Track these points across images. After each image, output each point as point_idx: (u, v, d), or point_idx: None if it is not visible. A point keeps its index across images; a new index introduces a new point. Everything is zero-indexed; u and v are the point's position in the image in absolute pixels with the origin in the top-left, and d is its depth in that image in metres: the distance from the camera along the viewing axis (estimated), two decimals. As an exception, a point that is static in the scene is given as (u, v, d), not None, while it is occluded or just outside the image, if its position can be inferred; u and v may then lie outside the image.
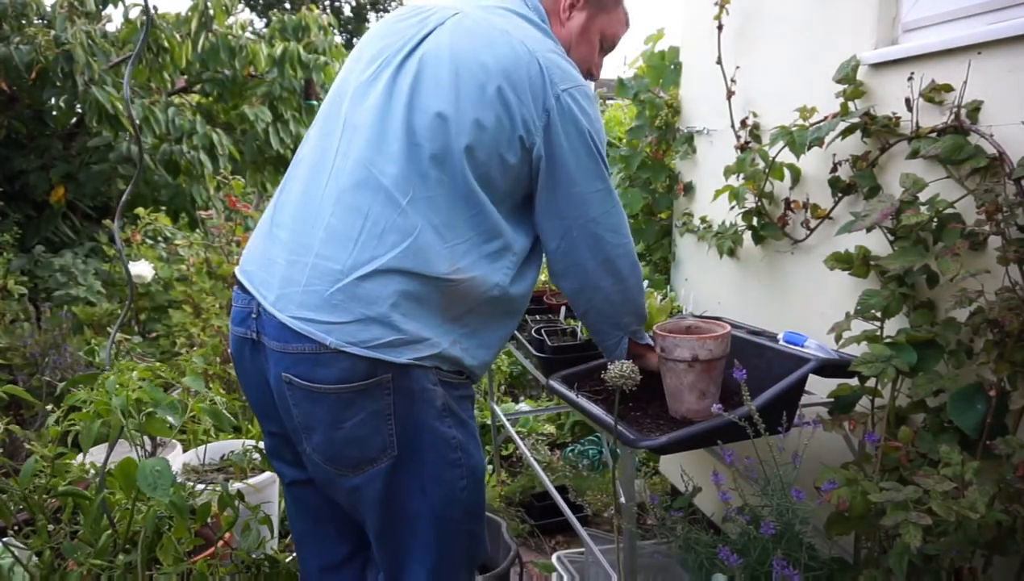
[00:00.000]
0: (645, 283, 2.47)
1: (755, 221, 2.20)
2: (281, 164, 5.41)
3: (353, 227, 1.23)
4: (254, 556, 1.71)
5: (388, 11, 19.45)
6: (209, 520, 1.65)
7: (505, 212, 1.33)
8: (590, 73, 1.55)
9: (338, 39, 5.55)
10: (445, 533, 1.33)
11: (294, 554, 2.46)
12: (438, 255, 1.24)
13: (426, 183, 1.24)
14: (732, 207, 2.23)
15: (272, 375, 1.28)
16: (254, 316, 1.30)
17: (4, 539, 1.52)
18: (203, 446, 2.37)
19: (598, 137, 1.35)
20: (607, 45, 1.56)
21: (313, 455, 1.30)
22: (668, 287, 2.89)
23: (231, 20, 5.14)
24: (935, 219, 1.50)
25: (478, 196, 1.27)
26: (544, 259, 1.47)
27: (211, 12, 4.72)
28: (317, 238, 1.25)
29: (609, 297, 1.46)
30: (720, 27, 2.32)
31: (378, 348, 1.21)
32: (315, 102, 5.26)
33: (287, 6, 17.51)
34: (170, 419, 1.49)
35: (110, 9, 4.78)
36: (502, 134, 1.26)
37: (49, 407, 1.96)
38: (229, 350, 1.49)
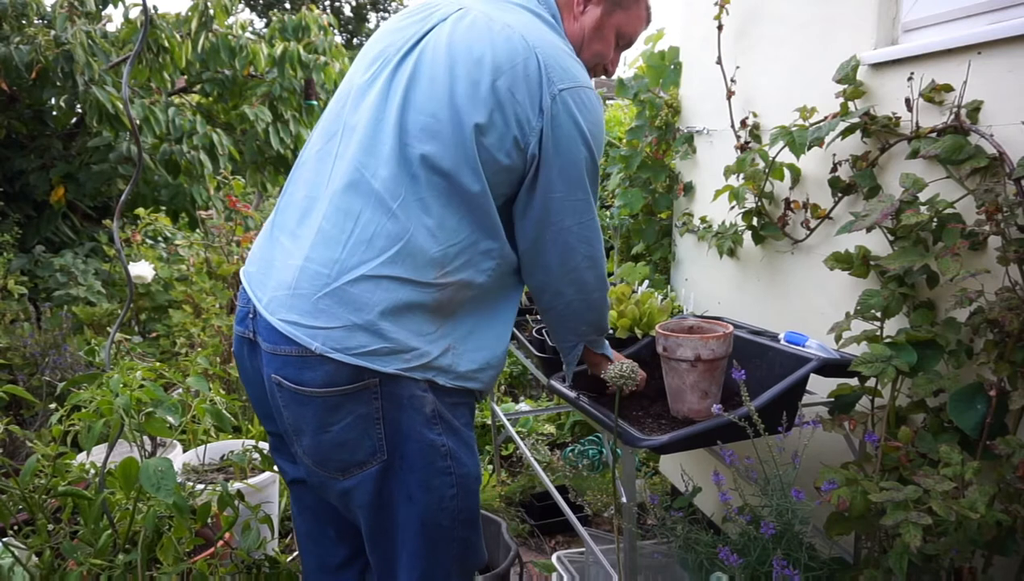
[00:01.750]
0: (645, 283, 2.48)
1: (755, 221, 2.20)
2: (281, 164, 5.41)
3: (343, 231, 1.22)
4: (254, 556, 1.71)
5: (388, 11, 19.47)
6: (209, 520, 1.65)
7: (501, 212, 1.29)
8: (605, 70, 1.51)
9: (338, 39, 5.55)
10: (434, 540, 1.30)
11: (294, 554, 2.46)
12: (429, 259, 1.22)
13: (417, 184, 1.22)
14: (732, 207, 2.23)
15: (265, 376, 1.28)
16: (251, 317, 1.31)
17: (4, 539, 1.52)
18: (203, 446, 2.37)
19: (593, 144, 1.29)
20: (623, 42, 1.50)
21: (304, 457, 1.30)
22: (668, 287, 2.89)
23: (231, 20, 5.13)
24: (935, 219, 1.50)
25: (472, 196, 1.24)
26: None
27: (211, 12, 4.72)
28: (308, 241, 1.25)
29: (571, 304, 1.42)
30: (720, 27, 2.32)
31: (364, 356, 1.19)
32: (315, 102, 5.26)
33: (287, 6, 17.50)
34: (170, 419, 1.49)
35: (110, 9, 4.78)
36: (496, 133, 1.22)
37: (52, 406, 1.96)
38: (232, 349, 1.50)
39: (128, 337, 3.16)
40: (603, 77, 1.57)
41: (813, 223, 1.98)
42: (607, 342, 1.61)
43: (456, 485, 1.30)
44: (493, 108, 1.22)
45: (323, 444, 1.26)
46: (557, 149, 1.25)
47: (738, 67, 2.30)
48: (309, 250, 1.24)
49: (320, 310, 1.20)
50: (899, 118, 1.68)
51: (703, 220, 2.59)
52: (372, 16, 20.31)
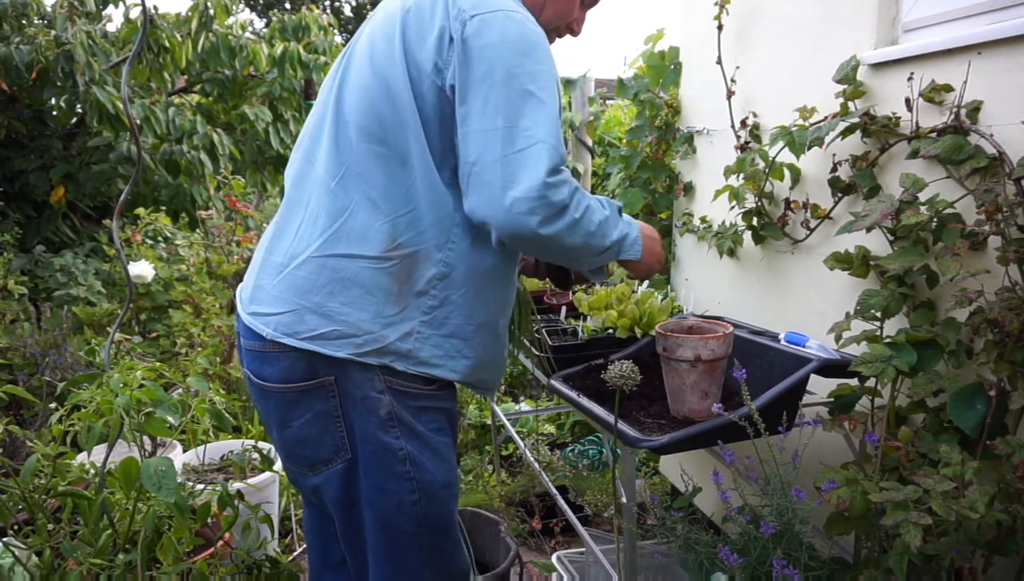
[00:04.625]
0: (645, 283, 2.48)
1: (755, 221, 2.20)
2: (281, 164, 5.41)
3: (294, 218, 1.26)
4: (254, 556, 1.71)
5: (388, 11, 19.43)
6: (209, 520, 1.65)
7: (449, 175, 1.19)
8: (571, 29, 1.42)
9: (338, 39, 5.55)
10: (397, 544, 1.28)
11: (294, 554, 2.46)
12: (375, 232, 1.18)
13: (356, 158, 1.19)
14: (732, 207, 2.23)
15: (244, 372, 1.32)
16: (239, 317, 1.35)
17: (4, 539, 1.52)
18: (203, 446, 2.37)
19: (516, 66, 1.11)
20: (588, 1, 1.42)
21: (278, 453, 1.34)
22: (668, 287, 2.89)
23: (231, 20, 5.13)
24: (935, 219, 1.50)
25: (416, 160, 1.17)
26: None
27: (211, 12, 4.71)
28: (269, 236, 1.30)
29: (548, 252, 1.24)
30: (720, 27, 2.32)
31: (313, 340, 1.18)
32: (315, 102, 5.26)
33: (287, 6, 17.50)
34: (170, 419, 1.49)
35: (110, 9, 4.78)
36: (419, 85, 1.16)
37: (52, 406, 1.96)
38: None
39: (128, 337, 3.17)
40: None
41: (813, 223, 1.98)
42: (621, 245, 1.29)
43: (418, 491, 1.25)
44: (407, 58, 1.16)
45: (287, 440, 1.28)
46: (473, 75, 1.12)
47: (738, 67, 2.30)
48: (269, 244, 1.29)
49: (274, 297, 1.23)
50: (899, 118, 1.68)
51: (703, 220, 2.59)
52: (372, 16, 20.28)
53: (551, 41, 1.38)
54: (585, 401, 1.74)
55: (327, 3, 19.44)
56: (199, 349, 3.15)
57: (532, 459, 2.46)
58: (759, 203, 2.17)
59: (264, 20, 17.21)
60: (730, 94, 2.30)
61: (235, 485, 1.80)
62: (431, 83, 1.15)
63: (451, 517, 1.33)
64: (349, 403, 1.22)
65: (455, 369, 1.26)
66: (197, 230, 4.50)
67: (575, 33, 1.45)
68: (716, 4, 2.32)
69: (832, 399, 1.65)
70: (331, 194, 1.20)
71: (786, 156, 1.98)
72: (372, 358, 1.19)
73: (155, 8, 5.22)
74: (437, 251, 1.20)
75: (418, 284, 1.20)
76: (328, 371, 1.20)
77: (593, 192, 4.10)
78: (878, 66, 1.75)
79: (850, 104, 1.80)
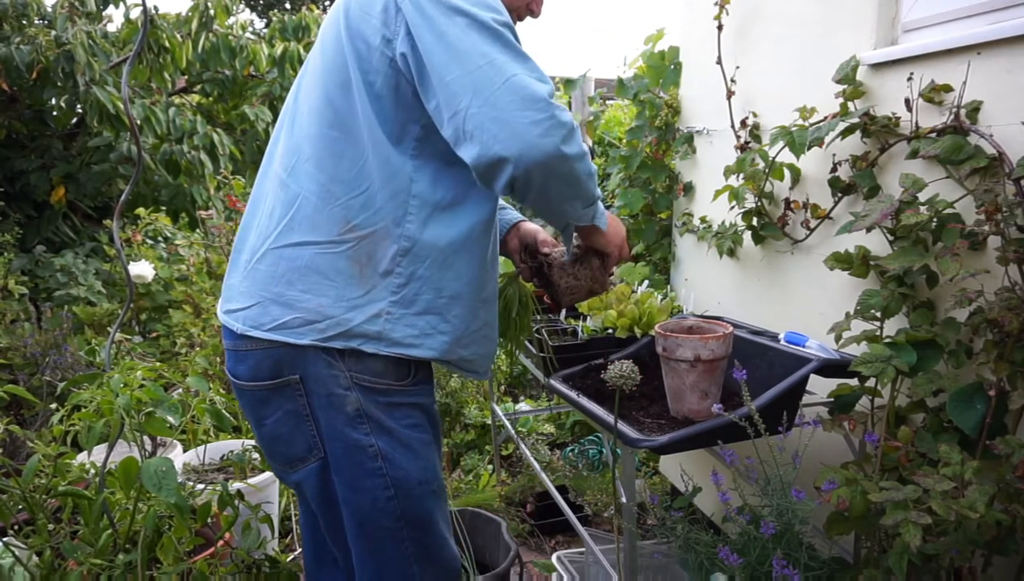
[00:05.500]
0: (645, 283, 2.48)
1: (755, 221, 2.20)
2: (281, 164, 5.41)
3: (255, 215, 1.28)
4: (254, 556, 1.71)
5: (388, 11, 19.42)
6: (209, 520, 1.65)
7: (406, 151, 1.17)
8: (531, 11, 1.37)
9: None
10: (378, 540, 1.27)
11: (294, 554, 2.46)
12: (327, 216, 1.17)
13: (308, 144, 1.19)
14: (732, 207, 2.24)
15: None
16: None
17: (4, 539, 1.52)
18: (203, 446, 2.38)
19: (468, 6, 1.07)
20: None
21: (263, 451, 1.38)
22: (668, 287, 2.89)
23: (231, 20, 5.13)
24: (935, 219, 1.50)
25: (366, 137, 1.15)
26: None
27: (212, 12, 4.72)
28: (238, 236, 1.33)
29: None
30: (720, 27, 2.32)
31: (277, 330, 1.19)
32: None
33: (287, 6, 17.50)
34: (170, 419, 1.49)
35: (110, 9, 4.78)
36: (358, 61, 1.14)
37: (52, 406, 1.96)
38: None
39: (128, 337, 3.17)
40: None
41: (813, 223, 1.98)
42: (598, 206, 1.29)
43: (392, 487, 1.24)
44: (352, 35, 1.15)
45: (263, 437, 1.31)
46: (429, 32, 1.07)
47: (738, 67, 2.30)
48: (237, 243, 1.32)
49: (241, 292, 1.25)
50: (899, 118, 1.68)
51: (703, 220, 2.59)
52: (372, 16, 20.27)
53: (514, 21, 1.34)
54: (585, 401, 1.75)
55: (327, 3, 19.45)
56: (199, 349, 3.15)
57: (532, 459, 2.46)
58: (759, 203, 2.17)
59: (264, 20, 17.20)
60: (730, 94, 2.30)
61: (235, 485, 1.80)
62: (381, 55, 1.13)
63: (431, 514, 1.30)
64: (315, 401, 1.23)
65: (432, 347, 1.23)
66: (197, 230, 4.50)
67: (535, 14, 1.39)
68: (716, 4, 2.32)
69: (832, 399, 1.65)
70: (283, 186, 1.22)
71: (786, 156, 1.98)
72: (338, 342, 1.17)
73: (155, 8, 5.22)
74: (395, 226, 1.17)
75: (381, 264, 1.18)
76: (292, 370, 1.21)
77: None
78: (878, 66, 1.75)
79: (850, 104, 1.80)
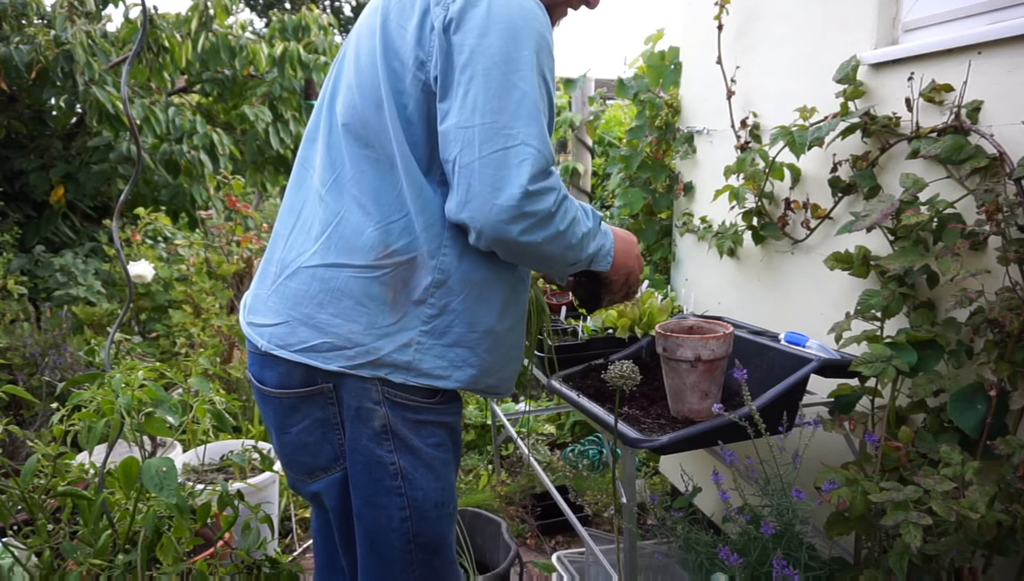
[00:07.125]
0: (645, 283, 2.48)
1: (755, 221, 2.20)
2: (281, 164, 5.41)
3: (287, 228, 1.23)
4: (254, 556, 1.71)
5: (388, 11, 19.42)
6: (209, 520, 1.65)
7: (435, 178, 1.12)
8: (586, 1, 1.29)
9: (338, 39, 5.55)
10: (387, 560, 1.22)
11: (294, 554, 2.46)
12: (366, 239, 1.12)
13: (347, 163, 1.14)
14: (732, 207, 2.23)
15: None
16: None
17: (4, 539, 1.52)
18: (203, 446, 2.37)
19: (502, 55, 1.01)
20: None
21: (279, 459, 1.32)
22: (668, 287, 2.89)
23: (231, 20, 5.13)
24: (935, 219, 1.50)
25: (404, 163, 1.10)
26: None
27: (211, 12, 4.72)
28: (270, 244, 1.28)
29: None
30: (720, 27, 2.32)
31: (305, 352, 1.14)
32: (315, 102, 5.26)
33: (287, 6, 17.50)
34: (170, 419, 1.49)
35: (110, 9, 4.78)
36: (391, 83, 1.09)
37: (52, 406, 1.96)
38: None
39: (128, 337, 3.17)
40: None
41: (813, 223, 1.98)
42: (594, 257, 1.23)
43: (408, 508, 1.19)
44: (387, 52, 1.09)
45: (286, 446, 1.26)
46: (455, 67, 1.03)
47: (738, 67, 2.30)
48: (268, 252, 1.27)
49: (269, 308, 1.21)
50: (899, 118, 1.68)
51: (703, 220, 2.59)
52: (372, 16, 20.25)
53: (563, 14, 1.30)
54: (585, 401, 1.74)
55: (327, 3, 19.44)
56: (199, 349, 3.15)
57: (532, 459, 2.46)
58: (759, 203, 2.17)
59: (264, 20, 17.20)
60: (730, 94, 2.30)
61: (235, 485, 1.80)
62: (414, 78, 1.07)
63: (444, 537, 1.26)
64: (344, 412, 1.19)
65: (460, 379, 1.19)
66: (197, 230, 4.50)
67: (591, 5, 1.30)
68: (716, 4, 2.32)
69: (832, 399, 1.65)
70: (323, 202, 1.17)
71: (786, 156, 1.98)
72: (366, 371, 1.14)
73: (155, 8, 5.22)
74: (430, 258, 1.13)
75: (415, 292, 1.14)
76: (326, 378, 1.18)
77: (593, 192, 4.10)
78: (878, 66, 1.75)
79: (850, 104, 1.80)
